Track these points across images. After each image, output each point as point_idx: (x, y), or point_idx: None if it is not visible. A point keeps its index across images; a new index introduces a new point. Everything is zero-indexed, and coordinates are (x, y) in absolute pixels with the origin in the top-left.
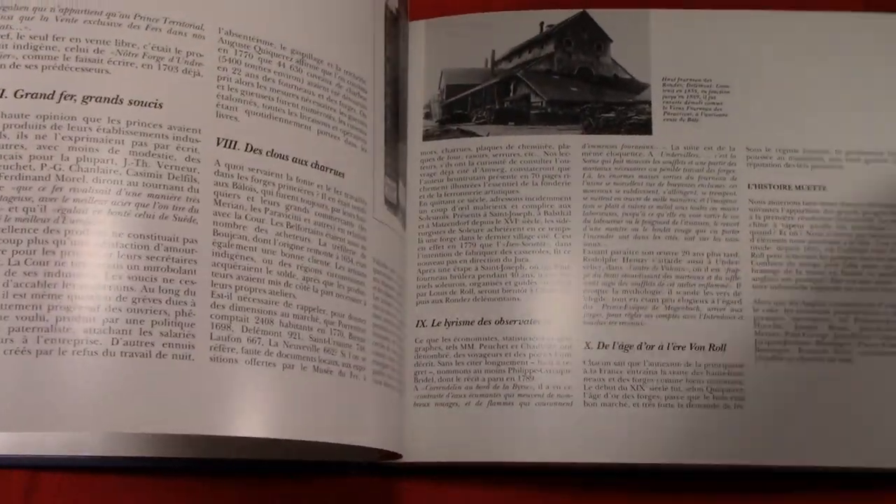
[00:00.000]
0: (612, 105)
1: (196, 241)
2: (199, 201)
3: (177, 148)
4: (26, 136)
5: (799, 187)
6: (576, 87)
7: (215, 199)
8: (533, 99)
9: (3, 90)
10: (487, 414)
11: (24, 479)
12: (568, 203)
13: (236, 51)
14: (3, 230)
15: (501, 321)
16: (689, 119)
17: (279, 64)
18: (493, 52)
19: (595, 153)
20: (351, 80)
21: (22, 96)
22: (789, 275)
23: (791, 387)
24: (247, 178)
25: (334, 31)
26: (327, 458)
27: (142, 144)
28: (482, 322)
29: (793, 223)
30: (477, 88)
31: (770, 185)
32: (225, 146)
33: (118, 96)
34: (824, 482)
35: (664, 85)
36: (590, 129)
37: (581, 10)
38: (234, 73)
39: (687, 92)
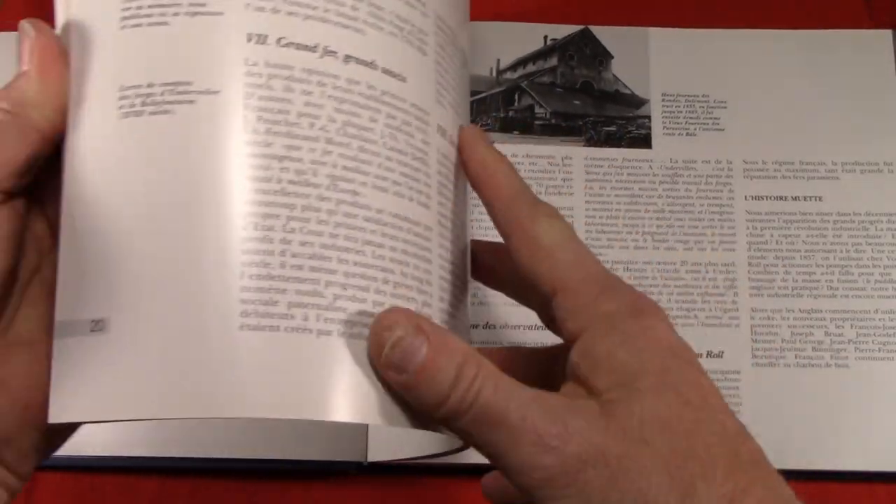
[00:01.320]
0: (614, 119)
1: (432, 228)
2: (431, 187)
3: (416, 128)
4: (293, 90)
5: (795, 198)
6: (578, 100)
7: (438, 190)
8: (537, 110)
9: (267, 35)
10: None
11: None
12: (571, 213)
13: (444, 37)
14: (276, 192)
15: (506, 325)
16: (687, 133)
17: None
18: (499, 60)
19: (597, 165)
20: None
21: (285, 45)
22: (786, 283)
23: (787, 392)
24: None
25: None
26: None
27: (392, 118)
28: (486, 326)
29: (789, 233)
30: (482, 95)
31: (766, 197)
32: (441, 136)
33: (374, 61)
34: (821, 485)
35: (663, 100)
36: (592, 142)
37: (583, 25)
38: (444, 59)
39: (685, 107)
